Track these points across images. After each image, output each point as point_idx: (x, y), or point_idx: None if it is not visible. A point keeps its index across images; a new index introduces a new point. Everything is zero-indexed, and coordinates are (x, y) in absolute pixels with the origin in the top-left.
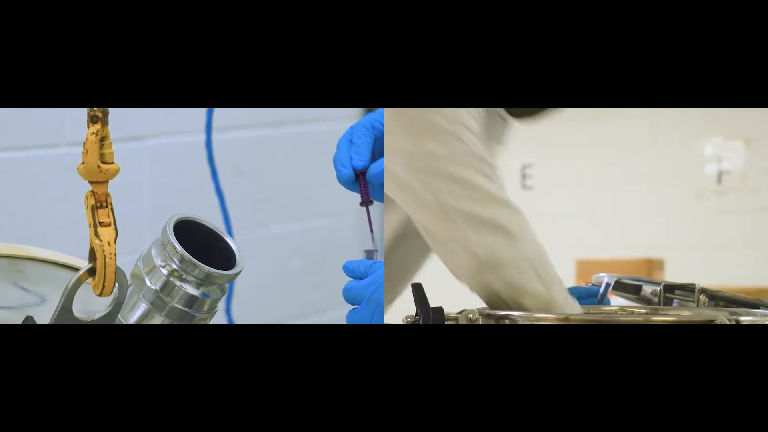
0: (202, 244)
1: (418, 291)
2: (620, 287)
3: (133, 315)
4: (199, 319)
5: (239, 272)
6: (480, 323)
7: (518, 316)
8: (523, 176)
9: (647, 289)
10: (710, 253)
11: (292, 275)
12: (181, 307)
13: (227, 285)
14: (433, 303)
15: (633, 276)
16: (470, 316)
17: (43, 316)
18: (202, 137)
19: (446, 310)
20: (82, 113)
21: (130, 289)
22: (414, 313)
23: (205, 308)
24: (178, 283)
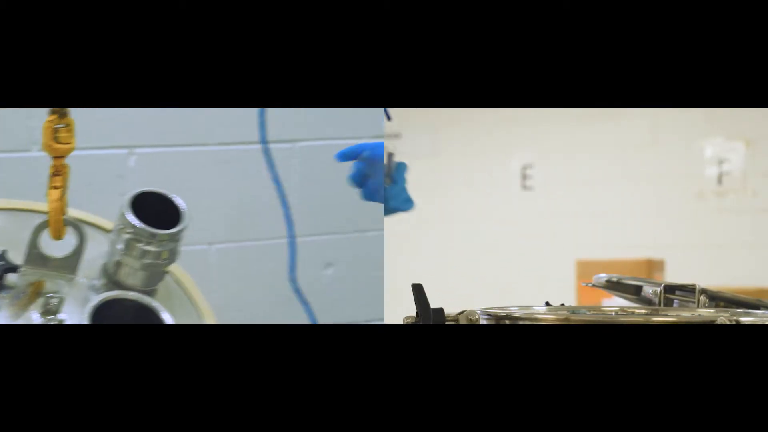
0: (158, 209)
1: (419, 291)
2: (620, 288)
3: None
4: (160, 261)
5: (182, 230)
6: (480, 323)
7: (518, 316)
8: (523, 176)
9: (648, 290)
10: (710, 253)
11: None
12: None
13: (178, 237)
14: (433, 304)
15: (633, 276)
16: (470, 317)
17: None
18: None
19: (446, 311)
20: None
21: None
22: (414, 314)
23: (164, 257)
24: (136, 243)
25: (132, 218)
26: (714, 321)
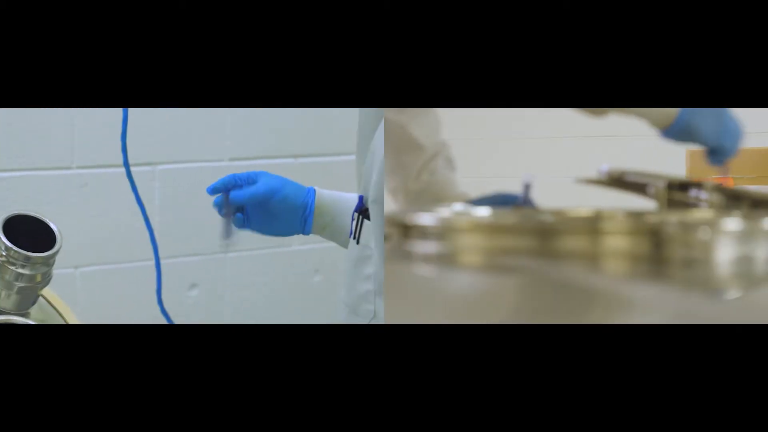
0: (30, 231)
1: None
2: (623, 185)
3: None
4: (34, 285)
5: (56, 252)
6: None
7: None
8: None
9: (651, 189)
10: None
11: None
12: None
13: (52, 260)
14: None
15: (638, 171)
16: None
17: None
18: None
19: None
20: None
21: None
22: None
23: (38, 280)
24: (9, 266)
25: (6, 241)
26: (713, 224)
